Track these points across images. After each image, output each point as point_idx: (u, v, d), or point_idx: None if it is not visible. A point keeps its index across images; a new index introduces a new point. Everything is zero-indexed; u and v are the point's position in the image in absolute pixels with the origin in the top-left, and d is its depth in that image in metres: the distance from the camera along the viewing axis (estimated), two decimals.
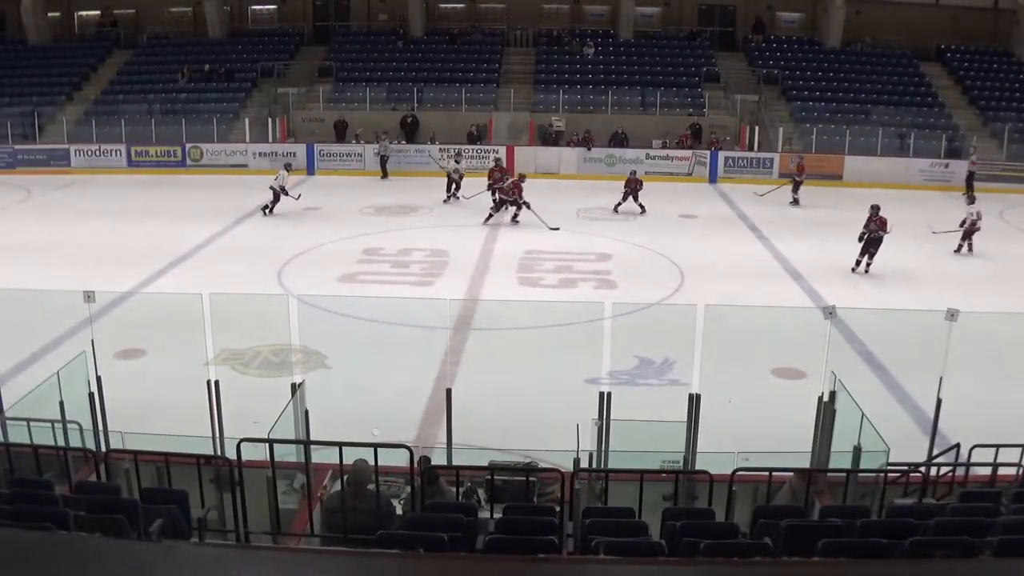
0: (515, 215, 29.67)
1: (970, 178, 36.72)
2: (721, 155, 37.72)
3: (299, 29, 46.88)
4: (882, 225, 23.66)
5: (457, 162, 32.19)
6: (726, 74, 43.59)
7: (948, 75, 44.94)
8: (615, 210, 30.96)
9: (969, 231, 26.99)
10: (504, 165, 33.43)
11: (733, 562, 6.44)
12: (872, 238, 23.72)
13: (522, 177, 30.69)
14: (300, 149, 38.41)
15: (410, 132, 40.10)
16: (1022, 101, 42.96)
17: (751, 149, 38.98)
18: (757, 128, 39.46)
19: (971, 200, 31.73)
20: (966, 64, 45.30)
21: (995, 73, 44.93)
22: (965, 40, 46.05)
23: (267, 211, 29.55)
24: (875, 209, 23.83)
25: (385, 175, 37.06)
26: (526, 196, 29.25)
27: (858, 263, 23.90)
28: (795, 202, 33.51)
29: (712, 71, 43.53)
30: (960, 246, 27.08)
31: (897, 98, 42.30)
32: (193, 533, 8.95)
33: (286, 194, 29.46)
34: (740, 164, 37.80)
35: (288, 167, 30.87)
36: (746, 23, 46.91)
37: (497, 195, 30.03)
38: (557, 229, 28.51)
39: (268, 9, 48.14)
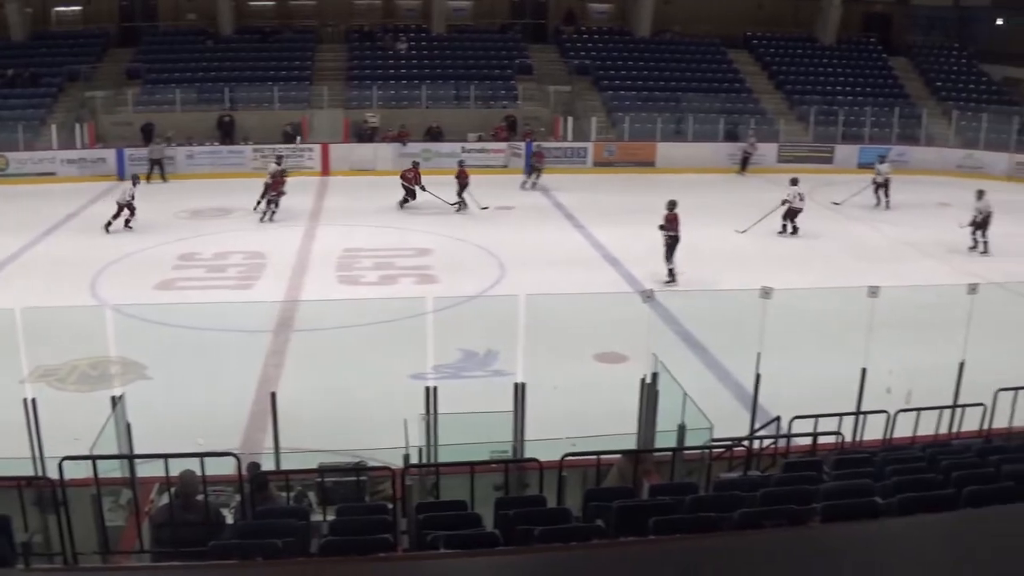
0: (404, 200, 30.48)
1: (746, 159, 38.90)
2: (535, 146, 38.02)
3: (105, 30, 45.31)
4: (671, 223, 22.67)
5: (278, 163, 31.63)
6: (539, 66, 43.93)
7: (755, 61, 46.35)
8: (455, 205, 30.75)
9: (791, 212, 27.94)
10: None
11: (570, 546, 6.48)
12: (669, 238, 22.76)
13: (416, 164, 31.28)
14: (109, 154, 37.07)
15: (226, 133, 39.23)
16: (826, 84, 44.63)
17: (565, 139, 39.42)
18: (571, 119, 39.91)
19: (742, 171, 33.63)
20: (772, 50, 46.83)
21: (800, 58, 46.69)
22: (771, 27, 47.56)
23: (108, 227, 27.92)
24: (670, 205, 23.05)
25: (163, 178, 35.89)
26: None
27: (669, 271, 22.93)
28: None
29: (525, 63, 43.82)
30: (784, 227, 28.03)
31: (707, 85, 43.36)
32: (18, 559, 8.59)
33: (131, 210, 28.06)
34: (555, 155, 38.15)
35: (136, 180, 29.54)
36: (557, 15, 47.43)
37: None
38: (459, 203, 30.21)
39: (72, 10, 46.42)
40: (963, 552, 1.64)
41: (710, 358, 17.68)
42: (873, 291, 13.48)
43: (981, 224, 26.84)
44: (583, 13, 47.87)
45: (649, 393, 11.73)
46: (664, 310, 18.40)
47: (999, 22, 50.37)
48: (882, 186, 32.39)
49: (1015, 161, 40.42)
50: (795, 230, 28.11)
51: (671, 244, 22.60)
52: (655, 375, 11.78)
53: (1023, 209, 31.13)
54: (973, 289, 13.92)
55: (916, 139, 41.80)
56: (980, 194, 27.24)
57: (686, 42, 46.23)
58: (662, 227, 22.61)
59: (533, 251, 25.40)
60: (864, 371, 13.63)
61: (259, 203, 29.37)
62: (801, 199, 28.12)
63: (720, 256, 24.95)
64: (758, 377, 13.41)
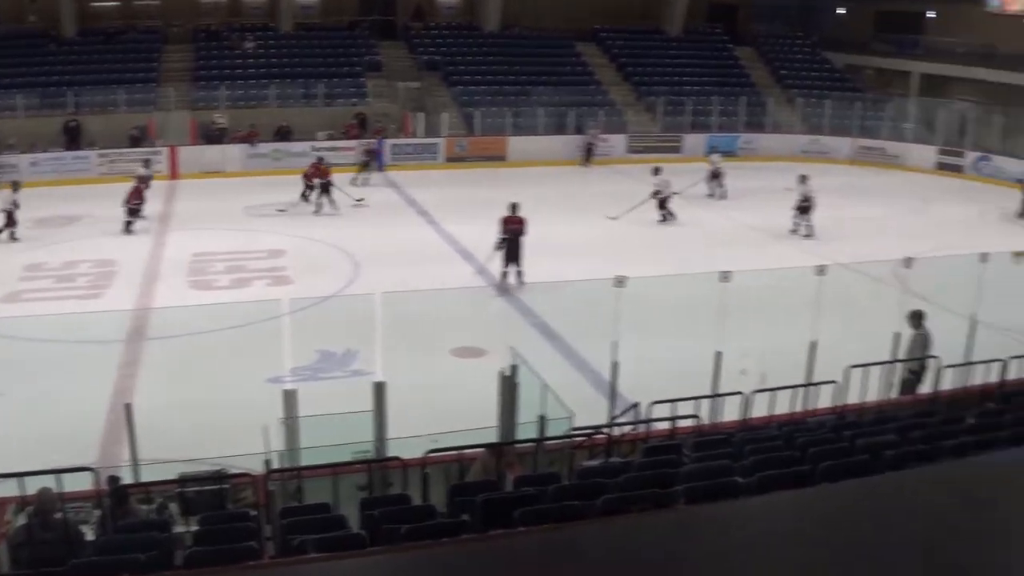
0: (304, 194, 30.33)
1: (589, 150, 39.52)
2: (387, 143, 37.85)
3: None
4: (509, 225, 22.20)
5: (146, 167, 30.78)
6: (388, 62, 43.73)
7: (603, 54, 46.84)
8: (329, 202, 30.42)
9: (662, 200, 28.52)
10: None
11: (439, 543, 6.45)
12: (510, 245, 22.15)
13: (321, 159, 31.12)
14: None
15: (72, 138, 38.05)
16: (673, 75, 45.35)
17: (416, 136, 39.34)
18: (422, 115, 39.84)
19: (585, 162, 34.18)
20: (620, 43, 47.37)
21: (647, 50, 47.38)
22: (618, 20, 48.07)
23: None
24: (511, 208, 22.68)
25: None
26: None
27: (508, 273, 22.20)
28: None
29: (374, 60, 43.56)
30: (663, 216, 28.58)
31: (556, 79, 43.66)
32: None
33: (11, 221, 27.12)
34: (407, 151, 38.08)
35: (16, 185, 28.38)
36: (406, 11, 47.18)
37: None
38: (362, 200, 30.25)
39: None
40: (820, 526, 1.68)
41: (568, 348, 17.83)
42: (724, 276, 13.76)
43: (804, 208, 27.58)
44: (432, 9, 47.80)
45: (508, 386, 11.78)
46: (520, 303, 18.51)
47: (840, 11, 51.95)
48: (716, 176, 33.01)
49: (858, 145, 41.77)
50: (669, 216, 28.77)
51: (510, 247, 21.92)
52: (513, 367, 11.83)
53: (866, 191, 32.16)
54: (821, 270, 14.32)
55: (762, 126, 42.90)
56: (802, 179, 28.09)
57: (535, 36, 46.49)
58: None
59: (388, 249, 25.29)
60: (719, 354, 13.91)
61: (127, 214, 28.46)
62: (668, 186, 28.75)
63: (573, 247, 25.18)
64: (615, 365, 13.58)
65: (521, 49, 45.70)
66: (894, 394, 13.86)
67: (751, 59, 48.17)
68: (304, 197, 30.28)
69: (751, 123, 42.78)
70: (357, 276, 22.74)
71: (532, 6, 46.78)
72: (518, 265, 21.91)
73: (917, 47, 46.71)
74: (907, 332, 15.11)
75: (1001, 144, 39.70)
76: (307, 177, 30.37)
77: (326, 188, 29.95)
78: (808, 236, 27.28)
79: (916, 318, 15.24)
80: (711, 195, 32.96)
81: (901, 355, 14.94)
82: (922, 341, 15.01)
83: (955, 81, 45.00)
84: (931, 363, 14.53)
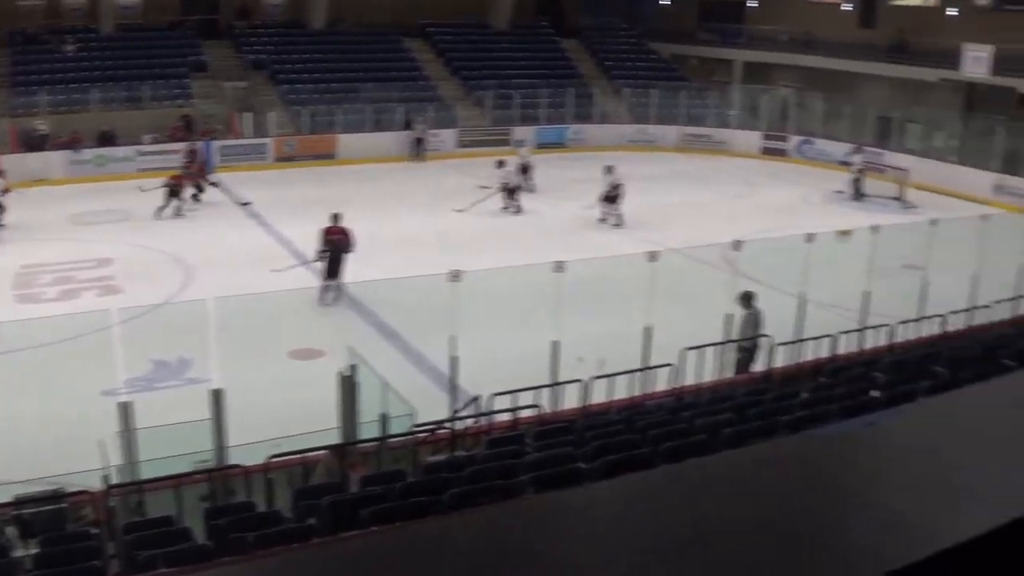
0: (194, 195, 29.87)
1: (419, 144, 39.44)
2: (216, 145, 37.17)
3: None
4: (329, 236, 21.21)
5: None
6: (213, 62, 42.87)
7: (431, 49, 46.76)
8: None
9: (509, 190, 28.83)
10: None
11: (289, 548, 6.38)
12: (331, 258, 20.98)
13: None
14: None
15: None
16: (501, 69, 45.52)
17: (244, 136, 38.73)
18: (249, 115, 39.22)
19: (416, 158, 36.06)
20: (447, 38, 47.36)
21: (474, 44, 47.50)
22: (445, 15, 47.99)
23: None
24: (333, 218, 21.73)
25: None
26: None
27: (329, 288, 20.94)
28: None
29: (199, 60, 42.65)
30: (511, 207, 28.90)
31: (384, 75, 43.45)
32: None
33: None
34: (235, 152, 37.45)
35: None
36: (230, 9, 46.31)
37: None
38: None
39: None
40: (665, 506, 1.71)
41: (406, 345, 17.80)
42: (559, 266, 13.91)
43: (611, 198, 28.03)
44: (257, 7, 46.95)
45: (347, 386, 11.71)
46: (357, 302, 18.39)
47: (665, 2, 52.97)
48: (525, 170, 33.09)
49: (684, 133, 42.64)
50: (515, 206, 29.03)
51: (331, 261, 20.87)
52: (353, 367, 11.77)
53: (694, 178, 32.83)
54: (653, 257, 14.57)
55: (590, 117, 43.39)
56: (609, 169, 28.51)
57: (362, 33, 46.16)
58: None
59: (220, 253, 24.82)
60: (556, 343, 14.06)
61: None
62: (511, 177, 29.10)
63: (408, 242, 25.12)
64: (454, 359, 13.63)
65: (348, 46, 45.34)
66: (729, 374, 14.21)
67: (578, 51, 48.74)
68: (195, 198, 29.99)
69: (579, 114, 43.27)
70: (189, 282, 22.28)
71: (358, 3, 46.45)
72: (337, 279, 20.65)
73: (740, 36, 48.01)
74: (739, 313, 15.50)
75: (822, 127, 41.10)
76: (180, 179, 29.79)
77: (175, 192, 29.28)
78: (617, 226, 27.66)
79: (746, 299, 15.64)
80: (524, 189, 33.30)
81: (734, 335, 15.32)
82: (753, 320, 15.43)
83: (777, 68, 46.40)
84: (763, 342, 14.95)
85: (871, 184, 33.00)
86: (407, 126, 40.03)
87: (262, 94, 41.32)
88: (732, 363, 15.11)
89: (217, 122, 39.32)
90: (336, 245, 20.89)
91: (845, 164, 33.85)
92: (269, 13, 46.89)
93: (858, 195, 32.38)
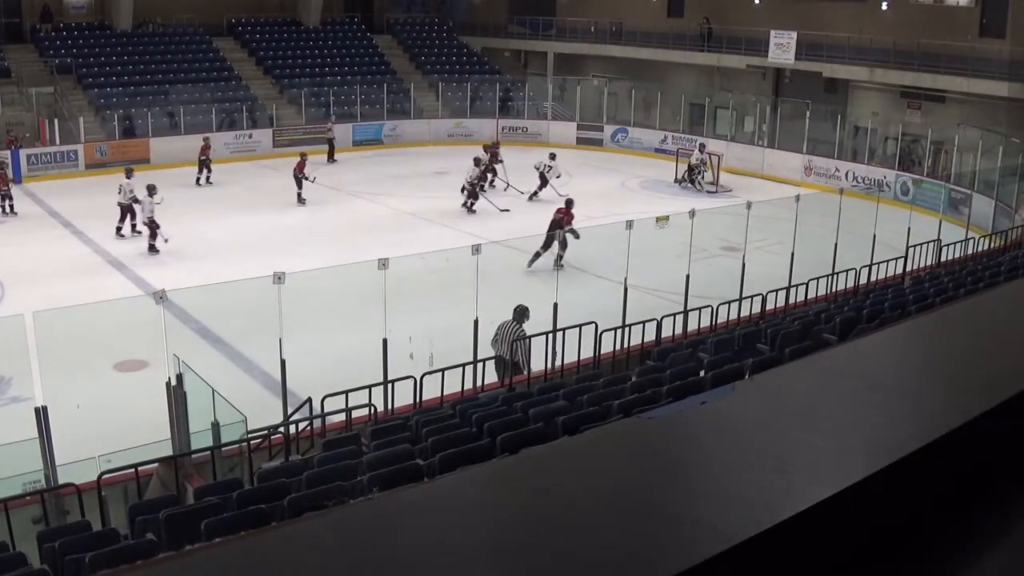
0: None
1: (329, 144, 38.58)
2: (23, 153, 35.86)
3: None
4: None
5: None
6: (17, 67, 41.29)
7: (241, 48, 46.14)
8: None
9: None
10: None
11: (134, 566, 6.23)
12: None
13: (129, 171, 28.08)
14: None
15: None
16: (314, 67, 45.16)
17: (53, 143, 37.46)
18: (57, 121, 37.92)
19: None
20: (258, 36, 46.75)
21: (286, 42, 46.94)
22: (254, 12, 47.38)
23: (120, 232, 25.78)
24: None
25: None
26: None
27: None
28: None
29: (2, 66, 41.16)
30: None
31: (195, 75, 42.65)
32: None
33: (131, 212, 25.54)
34: (44, 160, 36.20)
35: (130, 172, 26.74)
36: (32, 12, 44.62)
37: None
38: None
39: None
40: (510, 497, 1.74)
41: (233, 351, 17.55)
42: (383, 263, 13.88)
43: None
44: (60, 9, 45.41)
45: (176, 395, 11.48)
46: (179, 309, 17.99)
47: None
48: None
49: (501, 126, 42.94)
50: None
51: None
52: (179, 376, 11.55)
53: (511, 171, 32.98)
54: (477, 250, 14.66)
55: (407, 113, 43.34)
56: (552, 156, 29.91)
57: (169, 32, 45.23)
58: None
59: (33, 265, 23.91)
60: (385, 341, 14.05)
61: None
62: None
63: (222, 246, 24.75)
64: (283, 362, 13.51)
65: (156, 46, 44.36)
66: (558, 362, 14.37)
67: (390, 47, 48.71)
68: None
69: (394, 110, 43.23)
70: (3, 297, 21.49)
71: (165, 2, 45.43)
72: None
73: (551, 28, 48.53)
74: (508, 326, 14.98)
75: (635, 116, 41.92)
76: None
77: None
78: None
79: (520, 314, 15.09)
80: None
81: (499, 345, 15.00)
82: (520, 336, 14.76)
83: (589, 59, 47.16)
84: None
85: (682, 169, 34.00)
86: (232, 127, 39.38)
87: (71, 99, 40.06)
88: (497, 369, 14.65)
89: (25, 130, 37.92)
90: None
91: (683, 156, 34.92)
92: (72, 15, 45.42)
93: (693, 183, 33.09)
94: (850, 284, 17.85)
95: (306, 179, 29.81)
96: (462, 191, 29.26)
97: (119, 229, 26.36)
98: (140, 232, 25.66)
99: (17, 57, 41.93)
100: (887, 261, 18.95)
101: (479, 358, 13.95)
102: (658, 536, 1.65)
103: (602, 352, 14.47)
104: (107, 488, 9.34)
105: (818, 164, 35.30)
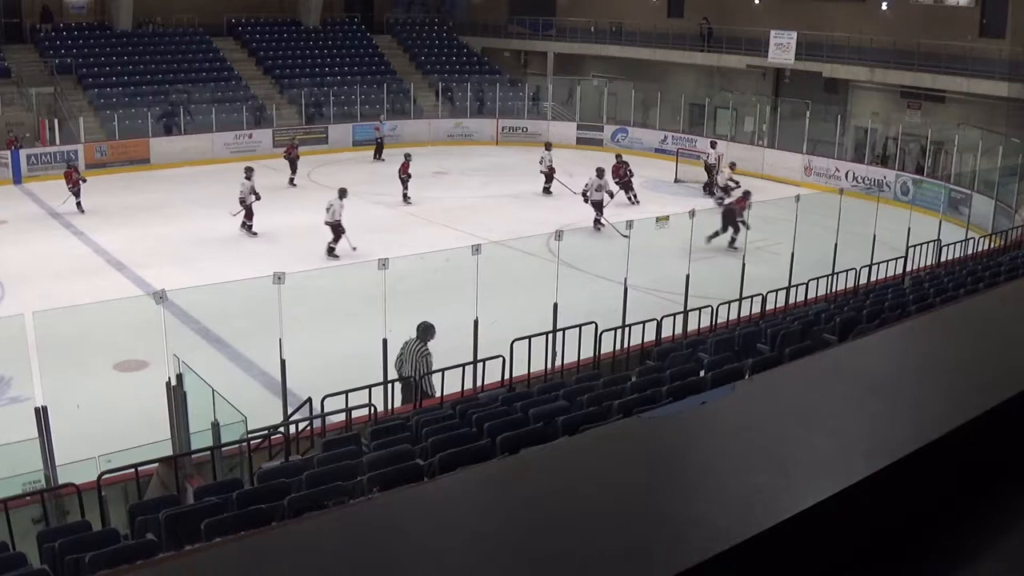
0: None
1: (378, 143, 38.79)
2: (23, 153, 35.84)
3: None
4: None
5: None
6: (17, 68, 41.26)
7: (241, 48, 46.13)
8: None
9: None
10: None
11: (135, 566, 6.23)
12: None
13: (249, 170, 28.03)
14: None
15: None
16: (314, 67, 45.14)
17: (53, 143, 37.44)
18: (57, 121, 37.90)
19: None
20: (258, 36, 46.73)
21: (286, 42, 46.93)
22: (254, 12, 47.37)
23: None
24: None
25: None
26: None
27: None
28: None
29: (2, 66, 41.13)
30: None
31: (195, 75, 42.63)
32: None
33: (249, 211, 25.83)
34: (44, 160, 36.17)
35: (249, 172, 26.96)
36: (32, 12, 44.59)
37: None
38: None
39: None
40: (510, 497, 1.74)
41: (233, 351, 17.54)
42: (383, 263, 13.87)
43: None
44: (60, 9, 45.36)
45: (176, 395, 11.48)
46: (180, 309, 17.98)
47: None
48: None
49: (501, 126, 42.94)
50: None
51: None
52: (180, 376, 11.54)
53: (512, 170, 33.07)
54: (477, 250, 14.66)
55: (407, 113, 43.32)
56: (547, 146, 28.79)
57: (169, 32, 45.20)
58: None
59: (34, 265, 23.92)
60: (385, 341, 14.04)
61: None
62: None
63: (222, 246, 24.74)
64: (283, 362, 13.50)
65: (156, 47, 44.33)
66: (558, 362, 14.37)
67: (390, 47, 48.69)
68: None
69: (395, 110, 43.18)
70: (3, 297, 21.48)
71: (165, 2, 45.41)
72: None
73: (551, 28, 48.49)
74: (412, 344, 14.20)
75: (635, 116, 41.91)
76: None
77: None
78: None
79: (425, 331, 14.23)
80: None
81: (401, 364, 14.53)
82: (424, 355, 13.95)
83: (589, 59, 47.13)
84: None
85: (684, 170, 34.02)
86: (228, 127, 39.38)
87: (71, 99, 40.03)
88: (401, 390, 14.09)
89: (25, 130, 37.91)
90: None
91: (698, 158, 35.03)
92: (73, 15, 45.39)
93: (714, 191, 32.82)
94: (850, 284, 17.83)
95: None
96: (585, 199, 27.92)
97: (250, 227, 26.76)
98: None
99: (17, 57, 41.91)
100: (887, 261, 18.95)
101: (479, 358, 13.94)
102: (658, 536, 1.65)
103: (602, 352, 14.47)
104: (107, 488, 9.33)
105: (818, 164, 35.32)
